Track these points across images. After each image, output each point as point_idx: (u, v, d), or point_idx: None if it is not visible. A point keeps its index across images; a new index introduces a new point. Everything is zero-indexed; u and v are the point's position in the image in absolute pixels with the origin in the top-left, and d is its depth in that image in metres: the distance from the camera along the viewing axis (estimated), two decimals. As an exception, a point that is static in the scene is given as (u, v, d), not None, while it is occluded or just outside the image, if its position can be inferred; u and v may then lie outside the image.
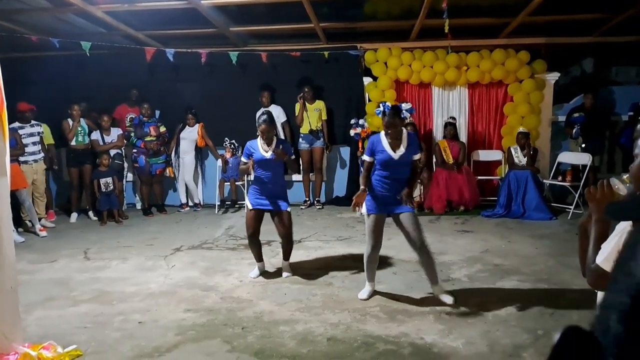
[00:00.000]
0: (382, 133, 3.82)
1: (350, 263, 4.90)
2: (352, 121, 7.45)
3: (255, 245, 4.55)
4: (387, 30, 7.49)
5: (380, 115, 3.76)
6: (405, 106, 3.95)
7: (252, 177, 4.60)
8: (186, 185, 7.95)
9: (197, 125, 7.76)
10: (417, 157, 3.91)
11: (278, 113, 7.60)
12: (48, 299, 4.12)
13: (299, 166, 4.53)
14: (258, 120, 4.38)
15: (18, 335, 2.96)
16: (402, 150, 3.76)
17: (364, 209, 3.91)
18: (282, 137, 7.65)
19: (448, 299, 3.84)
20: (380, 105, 3.76)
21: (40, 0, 5.77)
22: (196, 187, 8.08)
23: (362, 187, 3.87)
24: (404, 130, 3.85)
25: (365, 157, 3.91)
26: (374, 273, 4.03)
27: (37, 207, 6.72)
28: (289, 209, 4.46)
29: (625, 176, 1.60)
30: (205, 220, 7.14)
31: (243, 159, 4.49)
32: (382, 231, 3.93)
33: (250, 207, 4.43)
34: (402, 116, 3.80)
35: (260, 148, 4.35)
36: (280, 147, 4.33)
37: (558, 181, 7.11)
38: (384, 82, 7.61)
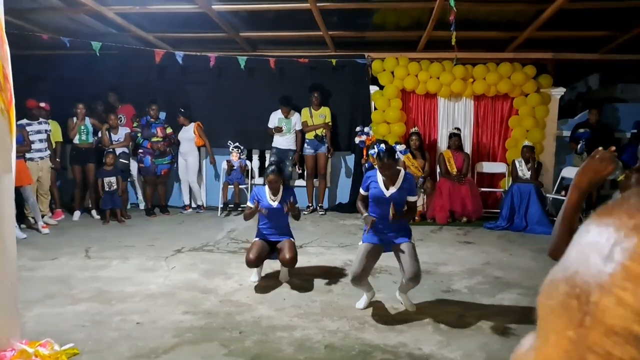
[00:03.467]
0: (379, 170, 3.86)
1: (351, 271, 4.89)
2: (358, 129, 7.47)
3: (255, 267, 4.53)
4: (395, 40, 7.54)
5: (374, 156, 3.81)
6: (399, 147, 4.03)
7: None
8: (190, 186, 7.98)
9: (192, 125, 7.78)
10: (412, 199, 3.93)
11: (296, 121, 7.70)
12: (47, 297, 4.13)
13: (300, 212, 4.74)
14: (267, 169, 4.51)
15: (16, 331, 2.97)
16: (393, 189, 3.78)
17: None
18: (294, 145, 7.72)
19: (410, 307, 3.88)
20: (375, 146, 3.81)
21: (53, 0, 5.82)
22: (199, 188, 8.11)
23: (364, 213, 3.88)
24: (402, 171, 3.89)
25: (361, 190, 3.96)
26: (366, 288, 3.98)
27: (41, 204, 6.76)
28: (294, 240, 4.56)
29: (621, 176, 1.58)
30: (208, 223, 7.15)
31: (249, 204, 4.56)
32: (370, 265, 3.84)
33: (257, 239, 4.53)
34: (397, 158, 3.87)
35: (268, 197, 4.46)
36: (291, 199, 4.40)
37: (561, 196, 7.09)
38: (390, 91, 7.64)
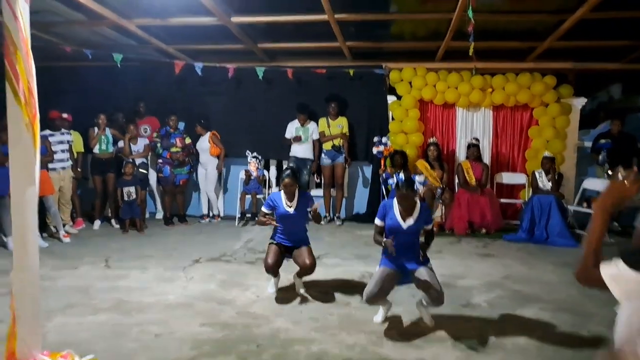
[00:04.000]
0: (395, 200, 3.84)
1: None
2: (375, 139, 7.46)
3: (273, 273, 4.52)
4: (413, 50, 7.52)
5: (393, 187, 3.82)
6: (418, 179, 4.02)
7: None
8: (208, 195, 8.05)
9: (207, 134, 7.86)
10: (429, 227, 3.92)
11: (313, 129, 7.76)
12: (68, 306, 4.18)
13: (320, 216, 4.74)
14: (283, 174, 4.47)
15: (37, 342, 3.00)
16: (411, 221, 3.77)
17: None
18: (312, 154, 7.76)
19: (429, 320, 3.84)
20: (394, 176, 3.83)
21: (76, 14, 5.94)
22: (217, 198, 8.16)
23: (381, 241, 3.81)
24: (418, 201, 3.87)
25: (376, 221, 3.93)
26: (382, 302, 3.96)
27: (63, 213, 6.87)
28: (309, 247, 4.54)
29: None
30: (225, 232, 7.19)
31: (264, 209, 4.53)
32: (387, 288, 3.80)
33: (274, 241, 4.52)
34: (415, 189, 3.86)
35: (284, 203, 4.44)
36: (313, 207, 4.42)
37: (583, 207, 6.98)
38: (408, 102, 7.63)
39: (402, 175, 3.79)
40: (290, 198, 4.44)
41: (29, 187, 2.91)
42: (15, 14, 2.60)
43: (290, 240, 4.51)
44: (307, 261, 4.36)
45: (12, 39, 2.59)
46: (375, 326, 3.86)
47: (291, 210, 4.42)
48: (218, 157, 7.91)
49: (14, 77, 2.63)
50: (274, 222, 4.43)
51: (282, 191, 4.48)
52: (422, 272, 3.74)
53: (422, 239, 3.93)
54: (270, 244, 4.55)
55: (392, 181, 3.83)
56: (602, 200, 1.54)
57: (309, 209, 4.43)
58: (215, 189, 8.07)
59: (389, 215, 3.83)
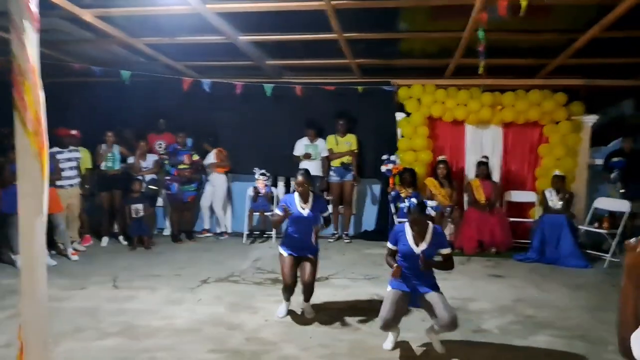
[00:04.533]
0: (407, 225, 3.80)
1: (378, 305, 4.71)
2: (384, 157, 7.42)
3: (289, 292, 4.51)
4: (422, 67, 7.48)
5: (405, 211, 3.79)
6: (430, 203, 3.98)
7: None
8: (214, 211, 8.02)
9: (214, 151, 7.86)
10: (446, 252, 3.84)
11: (322, 147, 7.77)
12: (76, 330, 4.15)
13: (330, 218, 4.73)
14: (297, 173, 4.45)
15: (46, 371, 2.97)
16: (424, 245, 3.72)
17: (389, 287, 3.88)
18: (321, 171, 7.74)
19: (439, 347, 3.79)
20: (406, 200, 3.80)
21: (85, 32, 5.97)
22: (224, 214, 8.14)
23: (393, 265, 3.78)
24: (430, 225, 3.81)
25: (389, 245, 3.89)
26: (394, 330, 3.91)
27: (70, 230, 6.86)
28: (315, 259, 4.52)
29: None
30: (233, 250, 7.15)
31: (277, 211, 4.49)
32: (400, 311, 3.76)
33: (285, 254, 4.47)
34: (427, 212, 3.81)
35: (298, 204, 4.42)
36: (316, 228, 4.43)
37: (594, 227, 6.88)
38: (417, 119, 7.58)
39: (414, 200, 3.73)
40: (304, 200, 4.39)
41: (38, 217, 2.89)
42: (24, 43, 2.59)
43: (298, 247, 4.46)
44: (306, 279, 4.40)
45: (20, 69, 2.59)
46: (386, 353, 3.81)
47: (305, 212, 4.37)
48: (226, 173, 7.92)
49: (22, 107, 2.62)
50: (288, 212, 4.34)
51: (295, 193, 4.43)
52: (432, 295, 3.69)
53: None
54: (281, 254, 4.50)
55: (404, 205, 3.78)
56: (628, 272, 1.49)
57: (318, 222, 4.43)
58: (223, 205, 8.05)
59: (402, 241, 3.78)
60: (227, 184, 8.04)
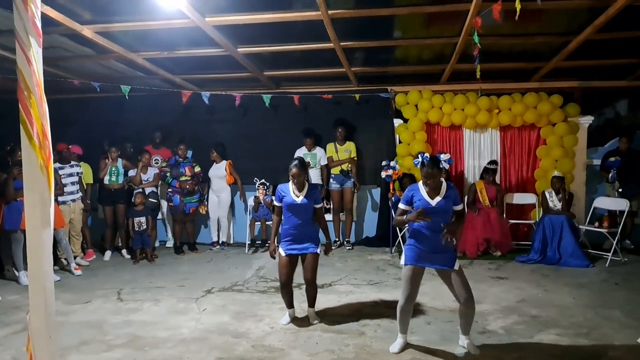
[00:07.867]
0: (421, 183, 3.81)
1: (383, 310, 4.84)
2: (384, 163, 7.47)
3: (287, 293, 4.55)
4: (418, 73, 7.56)
5: (418, 166, 3.78)
6: (444, 157, 3.91)
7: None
8: (219, 222, 8.05)
9: (224, 162, 7.89)
10: (459, 208, 3.83)
11: (320, 155, 7.80)
12: (82, 343, 4.16)
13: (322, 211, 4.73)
14: (290, 164, 4.43)
15: (55, 384, 2.98)
16: (439, 198, 3.73)
17: (402, 260, 3.89)
18: (320, 180, 7.79)
19: (474, 350, 3.83)
20: (419, 155, 3.78)
21: (84, 48, 6.03)
22: (228, 225, 8.16)
23: (405, 219, 3.79)
24: (443, 181, 3.82)
25: (401, 205, 3.87)
26: (407, 325, 3.96)
27: (73, 245, 6.89)
28: (318, 251, 4.48)
29: None
30: (236, 260, 7.17)
31: (275, 203, 4.55)
32: (419, 283, 3.85)
33: (283, 253, 4.45)
34: (441, 167, 3.79)
35: (292, 192, 4.42)
36: (324, 199, 4.38)
37: (594, 227, 6.92)
38: (414, 125, 7.64)
39: (427, 155, 3.74)
40: (299, 188, 4.40)
41: (44, 229, 2.92)
42: (29, 59, 2.63)
43: (299, 243, 4.43)
44: (307, 275, 4.45)
45: (26, 84, 2.63)
46: (392, 357, 3.82)
47: (299, 200, 4.37)
48: (230, 185, 7.96)
49: (28, 121, 2.66)
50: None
51: (290, 182, 4.44)
52: (451, 274, 3.73)
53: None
54: (279, 254, 4.48)
55: (417, 160, 3.77)
56: None
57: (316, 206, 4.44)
58: (227, 215, 8.08)
59: (417, 197, 3.77)
60: (231, 195, 8.07)
